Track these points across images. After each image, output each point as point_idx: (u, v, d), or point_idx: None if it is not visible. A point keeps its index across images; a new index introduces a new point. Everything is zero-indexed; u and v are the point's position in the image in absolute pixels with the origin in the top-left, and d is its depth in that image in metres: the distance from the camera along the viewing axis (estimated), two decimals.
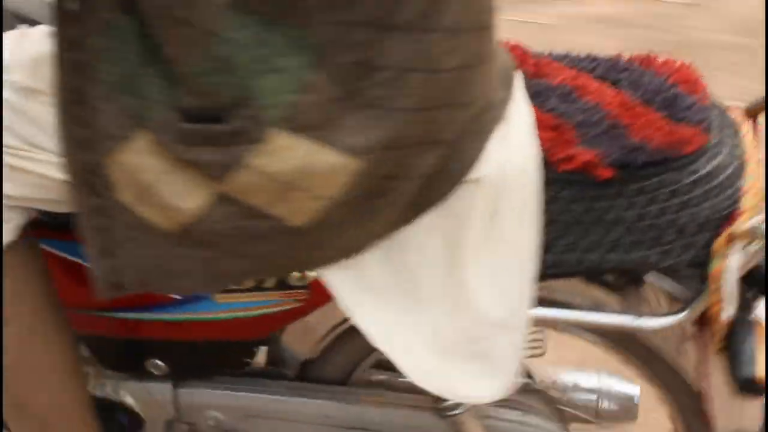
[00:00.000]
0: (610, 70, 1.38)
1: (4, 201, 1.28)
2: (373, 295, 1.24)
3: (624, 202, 1.25)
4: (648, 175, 1.24)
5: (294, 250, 1.17)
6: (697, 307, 1.29)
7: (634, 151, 1.24)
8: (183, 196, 1.12)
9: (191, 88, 1.07)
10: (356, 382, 1.59)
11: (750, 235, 1.22)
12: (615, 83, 1.35)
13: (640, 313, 1.34)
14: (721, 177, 1.27)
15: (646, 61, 1.40)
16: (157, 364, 1.56)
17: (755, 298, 1.28)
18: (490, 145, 1.20)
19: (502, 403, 1.55)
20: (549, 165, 1.24)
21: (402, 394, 1.53)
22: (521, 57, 1.40)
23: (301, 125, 1.07)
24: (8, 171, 1.25)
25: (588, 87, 1.33)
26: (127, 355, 1.56)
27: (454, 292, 1.23)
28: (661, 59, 1.40)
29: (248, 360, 1.56)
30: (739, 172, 1.29)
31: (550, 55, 1.43)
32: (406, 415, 1.55)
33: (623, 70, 1.38)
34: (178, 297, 1.41)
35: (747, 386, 1.26)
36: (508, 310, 1.25)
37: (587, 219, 1.26)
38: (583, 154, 1.24)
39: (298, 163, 1.08)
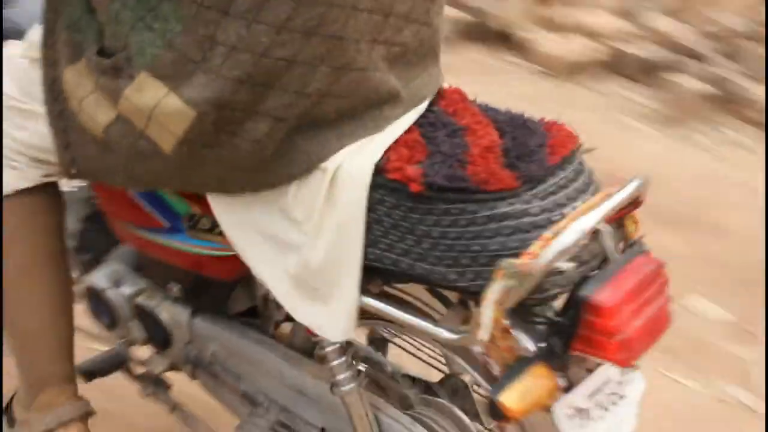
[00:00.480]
0: (508, 122, 1.56)
1: (19, 148, 1.83)
2: (254, 233, 1.60)
3: (431, 218, 1.44)
4: (453, 200, 1.42)
5: (169, 171, 1.56)
6: (472, 330, 1.42)
7: (454, 178, 1.42)
8: (98, 112, 1.58)
9: (104, 32, 1.55)
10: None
11: (515, 275, 1.34)
12: (502, 133, 1.53)
13: (449, 328, 1.50)
14: (519, 221, 1.40)
15: (542, 121, 1.56)
16: (173, 287, 1.96)
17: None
18: (349, 145, 1.52)
19: (402, 405, 1.75)
20: (383, 172, 1.47)
21: (321, 366, 1.78)
22: (453, 98, 1.63)
23: (160, 73, 1.48)
24: (20, 119, 1.81)
25: (477, 131, 1.53)
26: (157, 274, 1.99)
27: (302, 250, 1.55)
28: (550, 121, 1.56)
29: (226, 299, 1.92)
30: (544, 223, 1.40)
31: (477, 103, 1.64)
32: (315, 384, 1.80)
33: (519, 125, 1.55)
34: (164, 224, 1.81)
35: (492, 408, 1.38)
36: (337, 275, 1.53)
37: (403, 226, 1.47)
38: (412, 170, 1.46)
39: (154, 101, 1.49)
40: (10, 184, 1.85)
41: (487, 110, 1.60)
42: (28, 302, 1.94)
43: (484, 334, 1.38)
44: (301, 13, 1.41)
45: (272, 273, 1.61)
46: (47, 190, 1.90)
